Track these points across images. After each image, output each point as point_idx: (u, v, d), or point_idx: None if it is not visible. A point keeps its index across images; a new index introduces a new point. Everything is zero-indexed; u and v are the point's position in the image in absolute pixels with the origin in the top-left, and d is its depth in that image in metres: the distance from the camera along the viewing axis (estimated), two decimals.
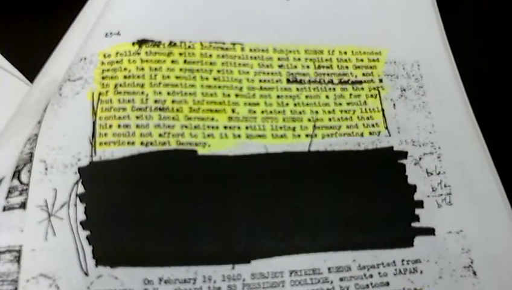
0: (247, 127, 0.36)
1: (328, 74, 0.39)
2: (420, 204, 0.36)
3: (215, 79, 0.37)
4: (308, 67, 0.39)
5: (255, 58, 0.39)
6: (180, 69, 0.37)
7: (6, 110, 0.39)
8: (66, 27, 0.41)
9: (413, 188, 0.37)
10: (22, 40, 0.47)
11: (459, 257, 0.35)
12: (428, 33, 0.42)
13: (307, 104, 0.38)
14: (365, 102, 0.39)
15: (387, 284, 0.34)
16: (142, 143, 0.35)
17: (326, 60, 0.40)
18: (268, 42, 0.40)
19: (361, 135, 0.38)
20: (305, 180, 0.36)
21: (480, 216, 0.36)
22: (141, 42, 0.38)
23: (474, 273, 0.35)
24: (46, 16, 0.48)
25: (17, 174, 0.34)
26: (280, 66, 0.39)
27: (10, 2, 0.48)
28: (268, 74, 0.38)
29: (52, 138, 0.35)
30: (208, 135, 0.36)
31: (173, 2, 0.40)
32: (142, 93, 0.36)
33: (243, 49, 0.39)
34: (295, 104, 0.38)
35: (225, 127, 0.36)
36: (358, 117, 0.38)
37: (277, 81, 0.38)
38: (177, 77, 0.37)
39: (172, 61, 0.37)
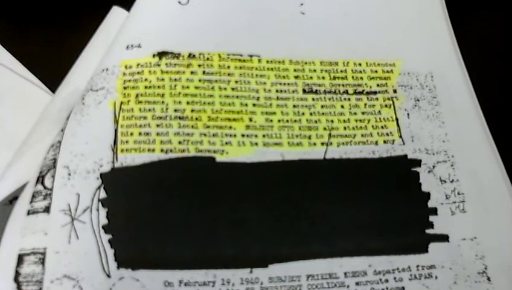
0: (264, 135, 0.37)
1: (343, 85, 0.40)
2: (434, 211, 0.37)
3: (233, 89, 0.38)
4: (323, 78, 0.40)
5: (272, 69, 0.39)
6: (199, 80, 0.38)
7: (28, 119, 0.40)
8: (84, 39, 0.42)
9: (427, 196, 0.37)
10: (43, 52, 0.48)
11: (473, 263, 0.36)
12: (441, 45, 0.43)
13: (323, 114, 0.38)
14: (379, 112, 0.39)
15: (403, 288, 0.35)
16: (162, 150, 0.35)
17: (341, 71, 0.40)
18: (284, 54, 0.40)
19: (376, 143, 0.38)
20: (321, 187, 0.37)
21: (494, 223, 0.37)
22: (161, 54, 0.39)
23: (489, 279, 0.35)
24: (64, 29, 0.49)
25: (40, 179, 0.35)
26: (296, 77, 0.39)
27: (31, 16, 0.49)
28: (284, 84, 0.39)
29: (75, 145, 0.35)
30: (226, 143, 0.36)
31: (192, 16, 0.40)
32: (163, 102, 0.37)
33: (259, 61, 0.40)
34: (311, 114, 0.38)
35: (243, 135, 0.37)
36: (372, 126, 0.39)
37: (293, 91, 0.39)
38: (196, 87, 0.38)
39: (192, 72, 0.38)
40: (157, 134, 0.36)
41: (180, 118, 0.36)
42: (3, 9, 0.51)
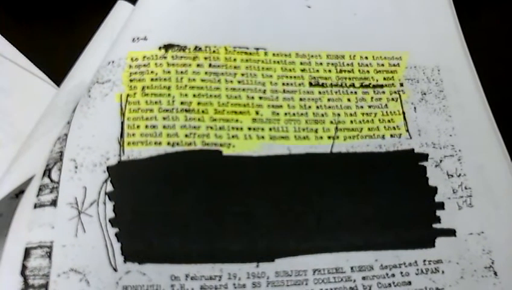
0: (270, 129, 0.37)
1: (349, 78, 0.40)
2: (441, 206, 0.37)
3: (239, 82, 0.38)
4: (330, 71, 0.40)
5: (278, 62, 0.39)
6: (206, 73, 0.38)
7: (34, 112, 0.40)
8: (89, 33, 0.42)
9: (434, 190, 0.37)
10: (48, 46, 0.48)
11: (480, 258, 0.36)
12: (448, 38, 0.42)
13: (329, 107, 0.38)
14: (386, 105, 0.39)
15: (409, 283, 0.35)
16: (168, 143, 0.35)
17: (348, 64, 0.40)
18: (290, 47, 0.40)
19: (383, 137, 0.38)
20: (328, 181, 0.36)
21: (501, 218, 0.37)
22: (167, 47, 0.38)
23: (495, 273, 0.35)
24: (69, 22, 0.50)
25: (47, 172, 0.35)
26: (302, 70, 0.39)
27: (36, 10, 0.49)
28: (291, 77, 0.39)
29: (82, 138, 0.35)
30: (233, 136, 0.36)
31: (198, 8, 0.40)
32: (169, 95, 0.37)
33: (266, 54, 0.40)
34: (317, 107, 0.38)
35: (249, 129, 0.37)
36: (379, 120, 0.38)
37: (300, 84, 0.39)
38: (202, 80, 0.38)
39: (198, 65, 0.38)
40: (164, 127, 0.36)
41: (186, 110, 0.36)
42: (8, 4, 0.51)
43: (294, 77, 0.39)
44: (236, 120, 0.37)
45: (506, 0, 0.52)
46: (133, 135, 0.35)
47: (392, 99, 0.39)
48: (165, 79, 0.37)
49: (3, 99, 0.44)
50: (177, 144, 0.35)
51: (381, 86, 0.40)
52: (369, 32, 0.42)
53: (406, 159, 0.38)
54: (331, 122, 0.38)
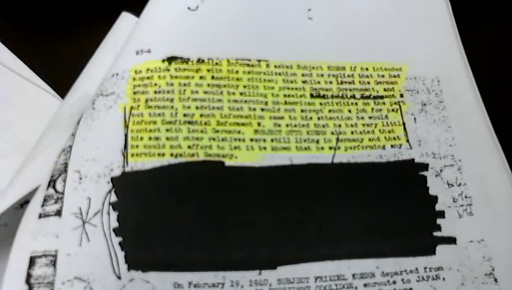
0: (272, 140, 0.37)
1: (350, 89, 0.40)
2: (441, 214, 0.37)
3: (241, 94, 0.38)
4: (331, 82, 0.40)
5: (280, 74, 0.40)
6: (208, 85, 0.38)
7: (37, 123, 0.40)
8: (93, 45, 0.43)
9: (435, 199, 0.37)
10: (52, 57, 0.48)
11: (480, 265, 0.36)
12: (448, 49, 0.43)
13: (330, 118, 0.39)
14: (387, 116, 0.39)
15: None
16: (171, 154, 0.36)
17: (349, 76, 0.40)
18: (292, 59, 0.40)
19: (383, 147, 0.38)
20: (329, 190, 0.37)
21: (501, 226, 0.37)
22: (171, 59, 0.39)
23: (496, 280, 0.35)
24: (74, 34, 0.50)
25: (52, 183, 0.35)
26: (304, 82, 0.40)
27: (41, 22, 0.50)
28: (292, 89, 0.39)
29: (86, 150, 0.36)
30: (235, 147, 0.37)
31: (201, 21, 0.41)
32: (172, 107, 0.37)
33: (268, 65, 0.40)
34: (319, 118, 0.39)
35: (251, 140, 0.37)
36: (380, 130, 0.39)
37: (301, 96, 0.39)
38: (205, 92, 0.38)
39: (201, 77, 0.38)
40: (167, 138, 0.36)
41: (189, 122, 0.37)
42: (13, 15, 0.51)
43: (296, 88, 0.39)
44: (239, 131, 0.37)
45: (507, 9, 0.53)
46: (137, 146, 0.36)
47: (393, 110, 0.40)
48: (168, 91, 0.38)
49: (6, 110, 0.45)
50: (180, 155, 0.36)
51: (382, 97, 0.40)
52: (370, 43, 0.42)
53: (406, 169, 0.38)
54: (332, 133, 0.38)
